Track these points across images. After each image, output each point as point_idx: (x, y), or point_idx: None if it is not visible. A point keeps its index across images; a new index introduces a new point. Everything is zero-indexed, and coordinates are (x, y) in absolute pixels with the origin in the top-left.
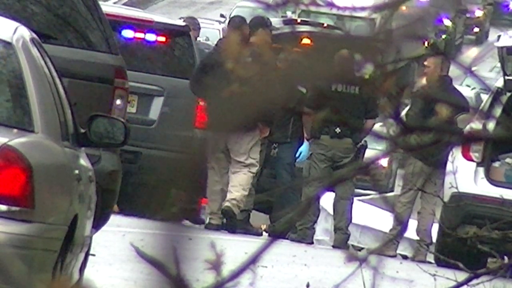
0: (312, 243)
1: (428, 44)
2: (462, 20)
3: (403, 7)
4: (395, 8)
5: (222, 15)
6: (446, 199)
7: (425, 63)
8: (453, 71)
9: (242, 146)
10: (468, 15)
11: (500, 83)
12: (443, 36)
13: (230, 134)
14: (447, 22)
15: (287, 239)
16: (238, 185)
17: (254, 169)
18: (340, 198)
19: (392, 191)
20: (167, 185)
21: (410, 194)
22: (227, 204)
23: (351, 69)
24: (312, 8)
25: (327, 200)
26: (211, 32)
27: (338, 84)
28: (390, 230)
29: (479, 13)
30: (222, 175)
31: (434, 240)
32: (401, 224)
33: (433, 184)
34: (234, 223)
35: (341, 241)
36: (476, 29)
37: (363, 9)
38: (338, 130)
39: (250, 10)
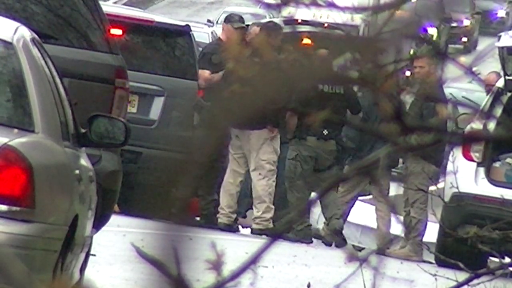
0: (311, 242)
1: (425, 43)
2: (446, 30)
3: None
4: (395, 9)
5: (209, 20)
6: (446, 199)
7: (418, 63)
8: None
9: (252, 145)
10: (455, 24)
11: (500, 83)
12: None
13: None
14: (431, 31)
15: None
16: (257, 197)
17: (264, 172)
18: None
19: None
20: (167, 185)
21: (424, 196)
22: (254, 226)
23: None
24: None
25: None
26: (200, 35)
27: (323, 85)
28: (418, 236)
29: (467, 22)
30: (239, 175)
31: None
32: (421, 227)
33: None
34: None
35: (336, 228)
36: (464, 39)
37: (363, 10)
38: (325, 131)
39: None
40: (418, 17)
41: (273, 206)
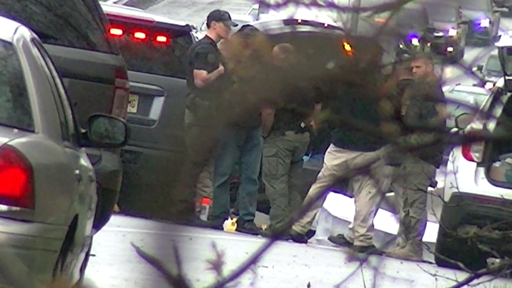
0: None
1: (424, 43)
2: (429, 39)
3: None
4: (397, 8)
5: (193, 26)
6: (446, 199)
7: (415, 63)
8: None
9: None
10: (441, 34)
11: (500, 83)
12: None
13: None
14: (414, 41)
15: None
16: (362, 215)
17: (374, 191)
18: None
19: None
20: (167, 185)
21: (424, 196)
22: (358, 243)
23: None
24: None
25: (327, 200)
26: None
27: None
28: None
29: (453, 32)
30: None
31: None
32: (421, 227)
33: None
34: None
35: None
36: (449, 49)
37: (364, 10)
38: (303, 124)
39: None
40: (401, 26)
41: (373, 224)
